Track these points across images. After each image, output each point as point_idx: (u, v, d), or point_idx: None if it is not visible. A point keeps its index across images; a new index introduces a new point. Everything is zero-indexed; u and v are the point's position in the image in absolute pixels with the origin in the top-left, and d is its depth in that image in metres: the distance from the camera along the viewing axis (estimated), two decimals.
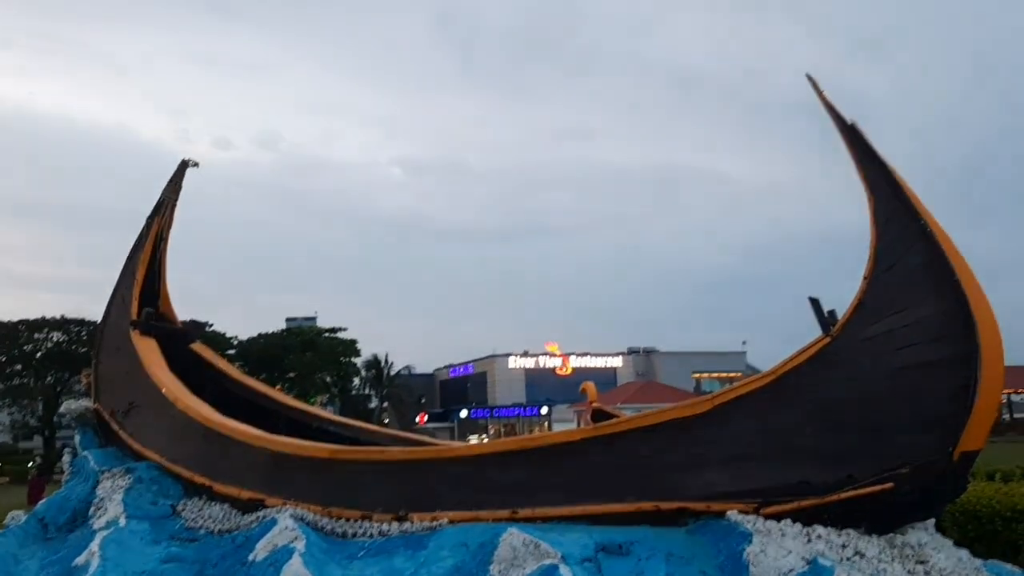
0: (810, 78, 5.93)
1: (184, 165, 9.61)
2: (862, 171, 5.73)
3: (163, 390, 8.29)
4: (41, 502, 8.44)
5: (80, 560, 6.31)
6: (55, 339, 54.40)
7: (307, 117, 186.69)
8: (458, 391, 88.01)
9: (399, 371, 78.06)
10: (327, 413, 10.84)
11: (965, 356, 5.15)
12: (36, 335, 54.05)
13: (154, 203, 9.68)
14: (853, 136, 5.76)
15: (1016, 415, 64.82)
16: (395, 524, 6.40)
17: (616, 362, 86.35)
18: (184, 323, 10.08)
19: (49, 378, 54.94)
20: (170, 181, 9.61)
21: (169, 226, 9.60)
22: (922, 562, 5.32)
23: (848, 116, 5.80)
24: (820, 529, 5.42)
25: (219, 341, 55.80)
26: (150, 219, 9.58)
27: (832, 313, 5.76)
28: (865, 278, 5.64)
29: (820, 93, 5.88)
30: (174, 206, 9.61)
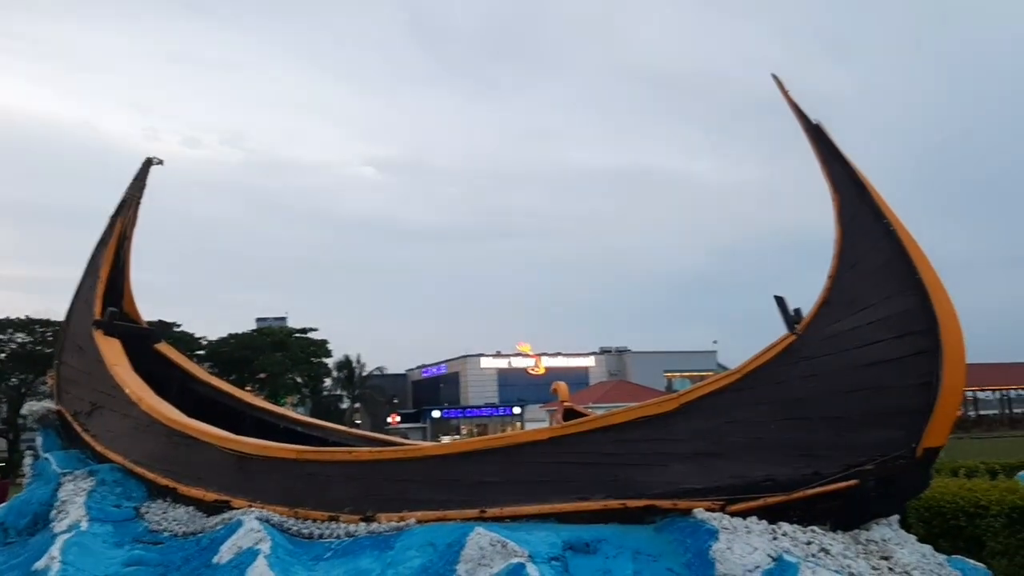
0: (776, 78, 5.97)
1: (148, 163, 9.48)
2: (827, 170, 5.77)
3: (127, 391, 8.17)
4: (1, 506, 8.30)
5: (40, 564, 6.19)
6: (19, 340, 53.60)
7: (276, 116, 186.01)
8: (430, 391, 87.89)
9: (371, 372, 77.78)
10: (294, 414, 10.75)
11: (927, 353, 5.20)
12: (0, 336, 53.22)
13: (118, 202, 9.55)
14: (818, 136, 5.80)
15: (982, 412, 65.94)
16: (362, 525, 6.36)
17: (588, 362, 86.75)
18: (149, 323, 9.96)
19: (13, 379, 54.13)
20: (134, 179, 9.48)
21: (133, 225, 9.47)
22: (886, 558, 5.37)
23: (813, 116, 5.85)
24: (786, 526, 5.44)
25: (188, 341, 55.28)
26: (113, 218, 9.43)
27: (798, 311, 5.80)
28: (830, 276, 5.68)
29: (786, 93, 5.92)
30: (138, 205, 9.47)
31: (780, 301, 5.85)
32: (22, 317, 53.42)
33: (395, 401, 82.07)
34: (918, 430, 5.26)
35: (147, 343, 9.53)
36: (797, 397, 5.62)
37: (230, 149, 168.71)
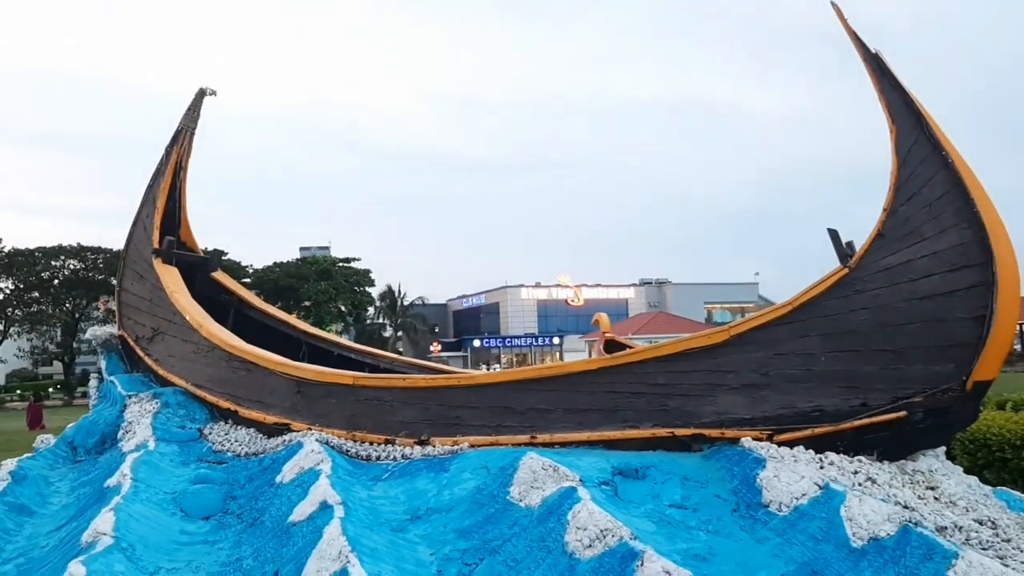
0: (835, 6, 5.86)
1: (202, 94, 9.60)
2: (885, 101, 5.70)
3: (187, 317, 8.42)
4: (70, 425, 8.66)
5: (112, 481, 6.43)
6: (72, 266, 54.88)
7: (322, 47, 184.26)
8: (471, 321, 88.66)
9: (413, 301, 78.48)
10: (347, 341, 10.98)
11: (982, 287, 5.20)
12: (53, 262, 54.52)
13: (173, 132, 9.71)
14: (877, 66, 5.72)
15: None
16: (417, 448, 6.57)
17: (628, 293, 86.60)
18: (205, 251, 10.19)
19: (67, 304, 55.60)
20: (188, 110, 9.63)
21: (188, 155, 9.64)
22: (932, 488, 5.45)
23: (872, 46, 5.75)
24: (833, 456, 5.53)
25: (235, 270, 56.15)
26: (169, 148, 9.60)
27: (850, 244, 5.79)
28: (885, 209, 5.66)
29: (845, 22, 5.82)
30: (192, 135, 9.63)
31: (833, 234, 5.84)
32: (73, 244, 54.64)
33: (436, 330, 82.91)
34: (969, 363, 5.29)
35: (205, 271, 9.77)
36: (848, 330, 5.66)
37: (275, 80, 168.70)
